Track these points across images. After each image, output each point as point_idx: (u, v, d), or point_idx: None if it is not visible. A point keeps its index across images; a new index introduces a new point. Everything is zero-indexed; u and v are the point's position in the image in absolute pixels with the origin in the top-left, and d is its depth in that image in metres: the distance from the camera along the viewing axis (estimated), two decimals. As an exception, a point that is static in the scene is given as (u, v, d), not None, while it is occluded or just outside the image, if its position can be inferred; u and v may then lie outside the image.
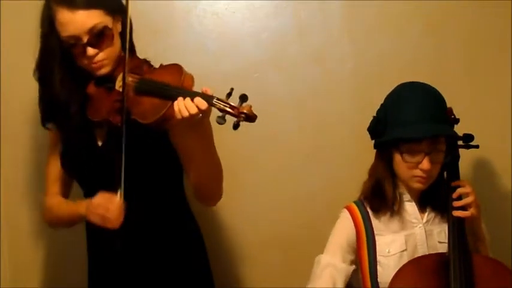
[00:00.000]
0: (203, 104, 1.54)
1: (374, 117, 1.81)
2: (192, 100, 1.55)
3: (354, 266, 1.80)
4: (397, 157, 1.74)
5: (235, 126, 1.52)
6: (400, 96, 1.78)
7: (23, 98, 2.18)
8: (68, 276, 2.27)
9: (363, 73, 2.25)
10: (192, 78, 1.68)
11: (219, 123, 1.53)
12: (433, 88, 1.78)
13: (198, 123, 1.60)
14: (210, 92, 1.58)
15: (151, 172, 1.79)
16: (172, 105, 1.58)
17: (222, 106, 1.54)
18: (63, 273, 2.28)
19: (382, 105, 1.81)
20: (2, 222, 2.25)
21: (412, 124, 1.70)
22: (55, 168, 1.89)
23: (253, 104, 2.23)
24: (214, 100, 1.55)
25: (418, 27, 2.25)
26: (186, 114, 1.54)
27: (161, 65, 1.77)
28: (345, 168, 2.23)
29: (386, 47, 2.26)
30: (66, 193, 1.93)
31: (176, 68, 1.69)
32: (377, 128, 1.79)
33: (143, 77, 1.71)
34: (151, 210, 1.81)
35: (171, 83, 1.64)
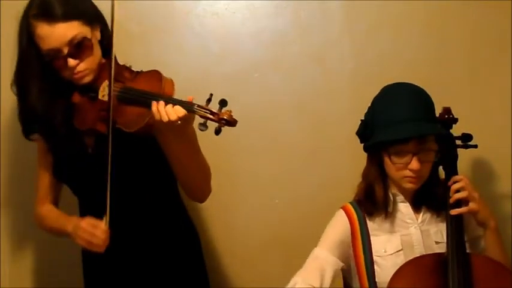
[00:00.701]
0: (181, 112, 1.58)
1: (362, 120, 1.81)
2: (173, 103, 1.59)
3: (343, 263, 1.80)
4: (387, 159, 1.74)
5: (217, 131, 1.57)
6: (384, 98, 1.78)
7: (23, 98, 2.18)
8: (67, 276, 2.27)
9: (363, 73, 2.25)
10: (172, 83, 1.72)
11: (201, 130, 1.58)
12: (419, 88, 1.77)
13: (181, 129, 1.63)
14: (192, 100, 1.61)
15: (143, 175, 1.81)
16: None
17: (202, 113, 1.58)
18: (63, 273, 2.28)
19: (369, 108, 1.81)
20: (2, 222, 2.25)
21: (397, 125, 1.69)
22: (45, 176, 1.91)
23: (253, 104, 2.26)
24: (195, 107, 1.59)
25: (418, 27, 2.25)
26: (165, 119, 1.58)
27: (141, 72, 1.80)
28: (345, 168, 2.23)
29: (386, 47, 2.26)
30: (56, 199, 1.95)
31: (156, 75, 1.72)
32: (365, 132, 1.79)
33: (125, 85, 1.74)
34: (144, 212, 1.83)
35: (151, 89, 1.67)
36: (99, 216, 1.77)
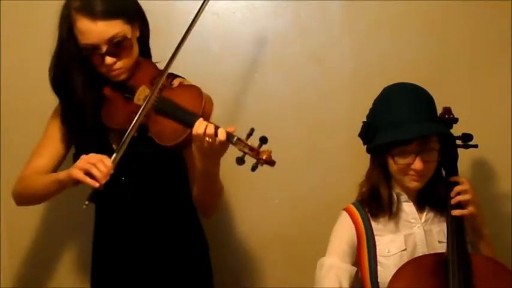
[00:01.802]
0: (223, 135, 1.57)
1: (363, 122, 1.81)
2: (215, 130, 1.58)
3: (355, 268, 1.80)
4: (390, 160, 1.74)
5: (253, 168, 1.57)
6: (385, 99, 1.78)
7: (23, 98, 2.19)
8: (67, 276, 2.28)
9: (363, 73, 2.25)
10: (211, 103, 1.71)
11: (238, 164, 1.57)
12: (419, 87, 1.77)
13: (213, 154, 1.62)
14: (233, 132, 1.61)
15: (162, 177, 1.82)
16: (191, 132, 1.61)
17: (241, 147, 1.58)
18: (63, 273, 2.28)
19: (370, 109, 1.81)
20: (2, 222, 2.25)
21: (399, 126, 1.69)
22: (49, 147, 1.86)
23: (253, 103, 2.26)
24: (235, 140, 1.59)
25: (418, 27, 2.25)
26: (206, 144, 1.58)
27: (181, 84, 1.80)
28: (345, 168, 2.23)
29: (387, 47, 2.25)
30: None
31: (196, 92, 1.71)
32: (367, 134, 1.79)
33: (163, 95, 1.72)
34: (158, 212, 1.83)
35: (191, 107, 1.66)
36: (116, 213, 1.81)
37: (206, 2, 1.79)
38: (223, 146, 1.60)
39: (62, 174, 1.71)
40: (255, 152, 1.57)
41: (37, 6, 2.20)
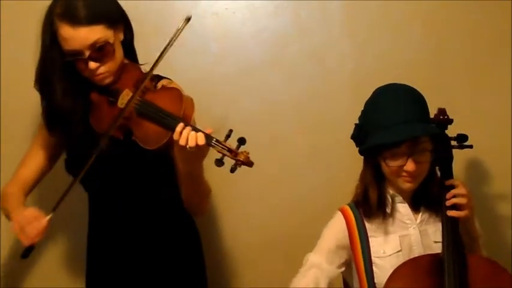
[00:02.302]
0: (202, 140, 1.59)
1: (355, 124, 1.81)
2: (194, 133, 1.60)
3: (341, 269, 1.80)
4: (382, 162, 1.73)
5: (232, 170, 1.60)
6: (375, 100, 1.77)
7: (23, 99, 2.18)
8: (67, 276, 2.28)
9: (363, 73, 2.25)
10: (192, 104, 1.73)
11: (217, 166, 1.59)
12: (410, 88, 1.76)
13: (193, 156, 1.64)
14: (210, 133, 1.63)
15: (150, 176, 1.82)
16: (172, 135, 1.63)
17: (220, 148, 1.60)
18: (57, 272, 2.28)
19: (362, 111, 1.81)
20: (2, 222, 2.25)
21: (389, 128, 1.68)
22: (33, 162, 1.94)
23: (253, 103, 2.26)
24: (213, 141, 1.61)
25: (418, 27, 2.25)
26: (184, 143, 1.59)
27: (163, 86, 1.80)
28: (345, 168, 2.23)
29: (387, 47, 2.26)
30: (29, 190, 1.96)
31: (177, 94, 1.72)
32: (359, 135, 1.78)
33: (144, 98, 1.73)
34: (148, 211, 1.84)
35: (172, 110, 1.67)
36: (109, 211, 1.83)
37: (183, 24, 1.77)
38: (202, 149, 1.61)
39: (13, 213, 1.80)
40: (232, 153, 1.59)
41: (37, 6, 2.20)
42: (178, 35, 1.73)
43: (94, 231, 1.92)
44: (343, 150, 2.24)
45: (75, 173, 1.84)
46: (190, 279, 1.90)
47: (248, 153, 1.60)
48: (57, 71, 1.75)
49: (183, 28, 1.74)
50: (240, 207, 2.29)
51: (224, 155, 1.60)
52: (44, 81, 1.79)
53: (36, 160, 1.94)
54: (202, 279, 1.95)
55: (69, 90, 1.77)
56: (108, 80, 1.77)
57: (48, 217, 1.72)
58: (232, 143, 1.61)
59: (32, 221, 1.71)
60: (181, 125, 1.62)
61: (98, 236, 1.90)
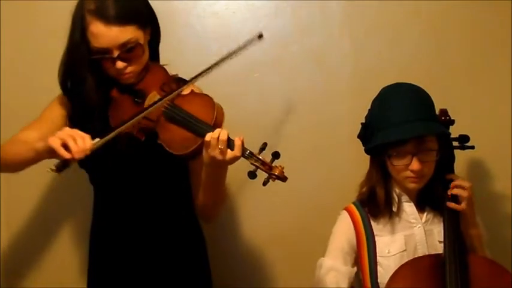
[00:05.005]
0: (239, 151, 1.59)
1: (362, 123, 1.81)
2: (230, 141, 1.59)
3: (355, 268, 1.80)
4: (388, 161, 1.74)
5: (265, 183, 1.59)
6: (382, 99, 1.78)
7: (23, 99, 2.18)
8: (67, 276, 2.28)
9: (362, 73, 2.25)
10: (222, 113, 1.71)
11: (251, 179, 1.58)
12: (416, 87, 1.77)
13: (222, 166, 1.64)
14: (243, 140, 1.62)
15: (162, 178, 1.82)
16: (202, 142, 1.61)
17: (253, 161, 1.59)
18: (63, 273, 2.28)
19: (369, 110, 1.81)
20: (2, 222, 2.25)
21: (394, 127, 1.69)
22: (42, 125, 1.80)
23: (253, 104, 2.26)
24: (247, 153, 1.60)
25: (418, 27, 2.25)
26: (215, 153, 1.59)
27: (192, 91, 1.78)
28: (345, 168, 2.23)
29: (386, 47, 2.26)
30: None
31: (209, 102, 1.71)
32: (365, 134, 1.79)
33: (174, 103, 1.72)
34: (155, 213, 1.83)
35: (202, 117, 1.66)
36: (115, 211, 1.81)
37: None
38: (235, 158, 1.61)
39: (39, 143, 1.65)
40: (267, 166, 1.59)
41: (37, 7, 2.20)
42: (242, 48, 1.77)
43: (98, 230, 1.90)
44: (343, 150, 2.25)
45: (86, 165, 1.81)
46: (195, 281, 1.89)
47: (283, 167, 1.60)
48: (85, 65, 1.72)
49: (251, 42, 1.78)
50: (239, 207, 2.29)
51: (257, 167, 1.59)
52: (74, 78, 1.75)
53: (43, 128, 1.78)
54: (207, 281, 1.94)
55: (95, 86, 1.75)
56: (132, 80, 1.76)
57: (95, 140, 1.60)
58: (266, 155, 1.60)
59: (76, 135, 1.57)
60: (216, 132, 1.59)
61: (102, 235, 1.88)
